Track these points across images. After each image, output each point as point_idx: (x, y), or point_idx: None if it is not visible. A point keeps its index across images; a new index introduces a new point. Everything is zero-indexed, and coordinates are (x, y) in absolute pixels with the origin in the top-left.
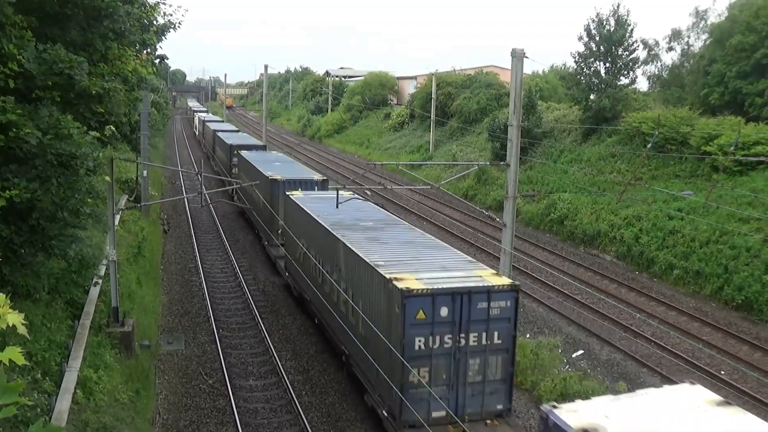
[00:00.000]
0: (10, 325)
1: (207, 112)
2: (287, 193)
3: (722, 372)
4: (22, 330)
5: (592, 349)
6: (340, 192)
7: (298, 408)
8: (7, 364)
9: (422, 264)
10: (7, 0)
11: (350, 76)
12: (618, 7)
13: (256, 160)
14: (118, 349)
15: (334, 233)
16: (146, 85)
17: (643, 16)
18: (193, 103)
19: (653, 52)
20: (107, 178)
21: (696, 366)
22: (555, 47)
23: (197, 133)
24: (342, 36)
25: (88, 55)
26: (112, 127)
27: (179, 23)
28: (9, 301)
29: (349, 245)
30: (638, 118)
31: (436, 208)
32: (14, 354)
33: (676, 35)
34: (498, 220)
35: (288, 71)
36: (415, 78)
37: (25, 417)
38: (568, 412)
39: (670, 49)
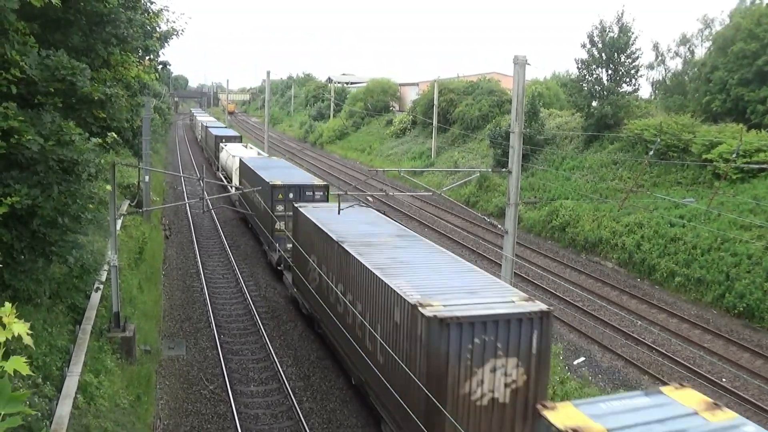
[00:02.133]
0: (16, 335)
1: (243, 144)
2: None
3: (723, 379)
4: (27, 340)
5: (594, 357)
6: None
7: (299, 414)
8: (12, 374)
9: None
10: (9, 7)
11: (352, 83)
12: (622, 14)
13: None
14: (119, 354)
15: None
16: (148, 90)
17: (657, 20)
18: (204, 117)
19: (661, 57)
20: (108, 187)
21: (697, 373)
22: (557, 53)
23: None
24: (344, 42)
25: (90, 61)
26: (114, 134)
27: (182, 30)
28: (14, 310)
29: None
30: (640, 125)
31: (438, 215)
32: (19, 364)
33: (684, 41)
34: (499, 226)
35: (290, 77)
36: (417, 84)
37: (26, 422)
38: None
39: (677, 54)
